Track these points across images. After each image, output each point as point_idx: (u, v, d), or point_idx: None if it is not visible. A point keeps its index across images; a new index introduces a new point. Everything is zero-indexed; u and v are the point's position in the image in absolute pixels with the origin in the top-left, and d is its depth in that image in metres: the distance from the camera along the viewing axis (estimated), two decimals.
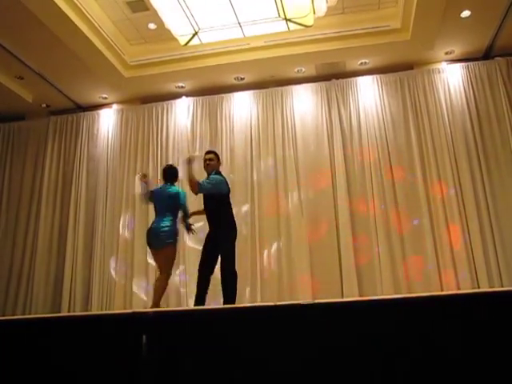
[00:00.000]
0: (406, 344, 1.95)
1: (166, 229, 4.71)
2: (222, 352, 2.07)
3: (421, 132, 6.77)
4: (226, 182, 4.76)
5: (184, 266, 6.64)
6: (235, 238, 4.62)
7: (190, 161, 4.60)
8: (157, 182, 5.36)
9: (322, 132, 7.00)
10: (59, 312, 6.71)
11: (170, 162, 6.34)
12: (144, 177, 5.09)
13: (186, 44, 6.56)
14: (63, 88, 7.35)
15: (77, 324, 2.36)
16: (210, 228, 4.70)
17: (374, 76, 7.12)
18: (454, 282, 6.06)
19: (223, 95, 7.43)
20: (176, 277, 6.48)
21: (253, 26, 6.46)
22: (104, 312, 6.04)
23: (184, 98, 7.56)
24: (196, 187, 4.49)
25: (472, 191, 6.37)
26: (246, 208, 6.81)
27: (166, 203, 4.84)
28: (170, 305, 6.41)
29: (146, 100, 7.67)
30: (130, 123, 7.62)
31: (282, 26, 6.42)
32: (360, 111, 7.01)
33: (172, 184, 4.98)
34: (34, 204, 7.46)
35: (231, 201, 4.81)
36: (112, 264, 6.96)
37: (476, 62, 6.92)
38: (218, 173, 4.76)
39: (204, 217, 4.80)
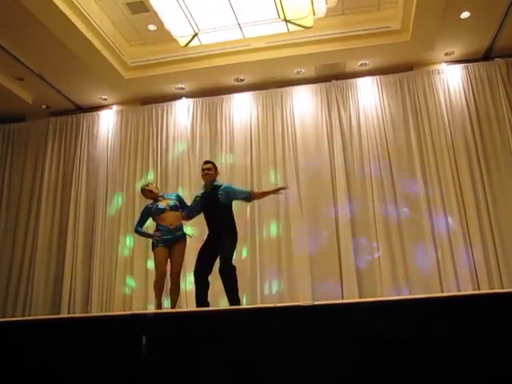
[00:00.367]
0: (407, 345, 1.95)
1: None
2: (222, 352, 2.07)
3: (421, 133, 6.77)
4: None
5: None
6: (236, 240, 4.68)
7: (278, 190, 5.02)
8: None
9: (321, 133, 7.00)
10: (59, 311, 6.73)
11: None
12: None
13: (186, 45, 6.56)
14: (63, 89, 7.36)
15: (77, 325, 2.36)
16: (210, 232, 4.73)
17: (374, 77, 7.13)
18: (454, 283, 6.06)
19: (223, 96, 7.44)
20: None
21: (252, 28, 6.47)
22: (104, 314, 6.04)
23: (184, 99, 7.56)
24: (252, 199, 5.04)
25: (472, 192, 6.37)
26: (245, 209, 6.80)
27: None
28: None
29: (146, 101, 7.68)
30: (129, 124, 7.62)
31: (281, 28, 6.43)
32: (360, 112, 7.01)
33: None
34: (33, 204, 7.47)
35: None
36: (112, 264, 6.95)
37: (476, 63, 6.92)
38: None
39: (198, 222, 4.85)
